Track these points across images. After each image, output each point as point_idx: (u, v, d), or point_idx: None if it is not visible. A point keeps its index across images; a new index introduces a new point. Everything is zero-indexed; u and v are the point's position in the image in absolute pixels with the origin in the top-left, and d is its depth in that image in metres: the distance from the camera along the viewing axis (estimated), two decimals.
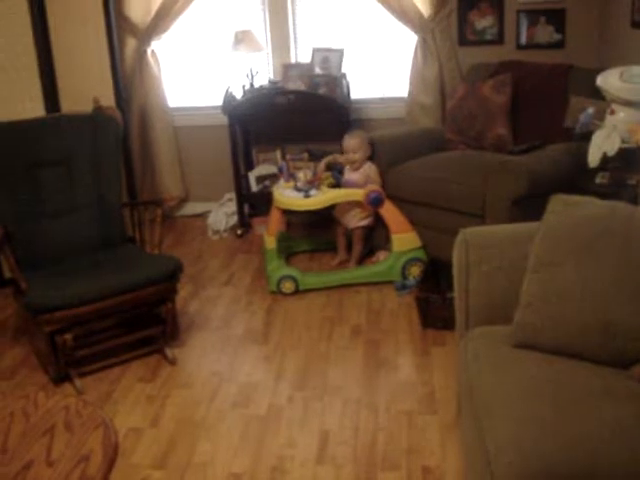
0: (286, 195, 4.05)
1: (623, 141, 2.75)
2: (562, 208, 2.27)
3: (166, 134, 5.24)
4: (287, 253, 4.49)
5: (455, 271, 2.46)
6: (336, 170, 4.26)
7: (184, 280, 4.30)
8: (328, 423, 2.89)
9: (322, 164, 4.23)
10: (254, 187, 4.96)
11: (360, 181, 4.12)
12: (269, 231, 4.21)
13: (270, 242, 4.19)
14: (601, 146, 2.80)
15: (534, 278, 2.20)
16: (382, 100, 5.17)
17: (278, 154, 5.07)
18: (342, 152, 4.23)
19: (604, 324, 2.06)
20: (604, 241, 2.13)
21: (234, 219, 5.11)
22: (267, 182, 4.94)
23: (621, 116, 2.81)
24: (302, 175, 4.03)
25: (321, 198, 4.01)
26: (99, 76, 4.33)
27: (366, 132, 4.39)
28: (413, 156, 4.32)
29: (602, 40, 4.70)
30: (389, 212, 4.04)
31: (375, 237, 4.37)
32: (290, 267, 4.15)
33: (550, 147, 3.88)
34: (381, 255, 4.30)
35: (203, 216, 5.38)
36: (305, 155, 4.72)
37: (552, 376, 2.00)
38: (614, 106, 2.85)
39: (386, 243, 4.22)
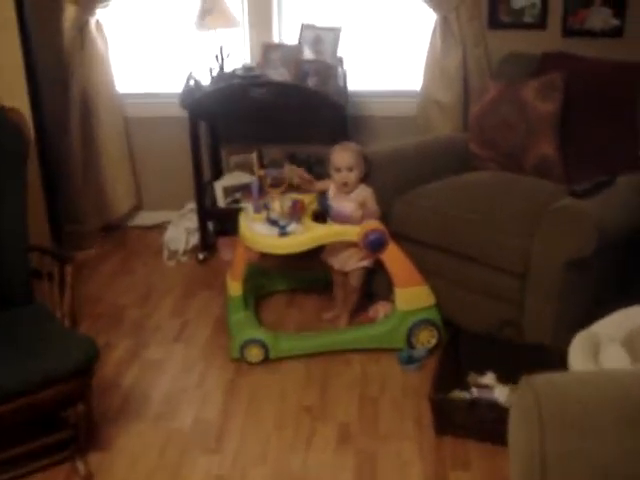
0: (256, 231, 3.00)
1: None
2: None
3: (114, 126, 4.13)
4: (258, 294, 3.47)
5: (517, 460, 1.44)
6: (322, 195, 3.22)
7: (123, 331, 3.33)
8: None
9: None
10: (221, 201, 3.90)
11: (355, 213, 3.05)
12: (233, 274, 3.17)
13: (235, 288, 3.16)
14: None
15: None
16: (388, 94, 4.10)
17: (254, 158, 3.98)
18: (332, 169, 3.17)
19: None
20: None
21: (197, 237, 4.05)
22: (238, 195, 3.88)
23: None
24: (277, 206, 2.98)
25: (303, 238, 2.95)
26: (4, 64, 3.21)
27: (360, 141, 3.37)
28: (427, 178, 3.29)
29: None
30: (393, 258, 2.99)
31: (373, 282, 3.33)
32: (258, 327, 3.10)
33: (619, 182, 2.83)
34: (381, 308, 3.27)
35: (160, 227, 4.31)
36: (286, 168, 3.66)
37: None
38: None
39: (388, 292, 3.19)
